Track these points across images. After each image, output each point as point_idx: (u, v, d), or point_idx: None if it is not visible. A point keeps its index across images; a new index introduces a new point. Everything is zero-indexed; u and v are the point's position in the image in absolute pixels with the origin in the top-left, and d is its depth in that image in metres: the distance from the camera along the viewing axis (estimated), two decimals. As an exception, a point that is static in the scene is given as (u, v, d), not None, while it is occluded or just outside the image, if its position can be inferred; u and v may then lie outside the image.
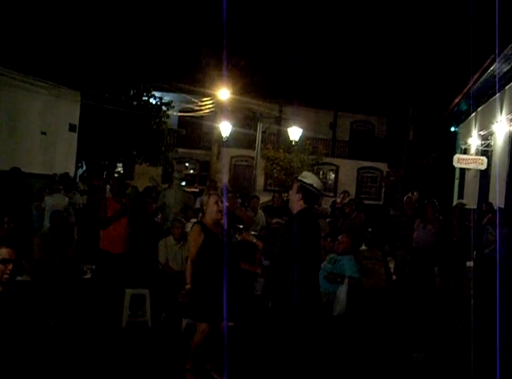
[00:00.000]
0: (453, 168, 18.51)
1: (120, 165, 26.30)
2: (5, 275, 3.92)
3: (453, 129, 21.43)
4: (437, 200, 10.04)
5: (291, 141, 22.09)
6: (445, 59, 24.39)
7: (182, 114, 26.90)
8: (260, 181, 26.72)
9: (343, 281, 6.49)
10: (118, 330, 6.92)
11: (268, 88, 27.37)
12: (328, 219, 11.57)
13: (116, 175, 23.43)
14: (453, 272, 9.53)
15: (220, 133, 23.90)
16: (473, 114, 17.04)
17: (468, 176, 17.42)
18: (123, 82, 21.43)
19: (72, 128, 18.67)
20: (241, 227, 5.84)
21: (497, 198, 12.28)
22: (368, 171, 31.71)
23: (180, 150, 27.14)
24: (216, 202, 5.52)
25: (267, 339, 5.09)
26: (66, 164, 17.84)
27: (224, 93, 24.11)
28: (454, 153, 17.02)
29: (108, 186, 11.52)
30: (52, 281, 6.75)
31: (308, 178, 4.89)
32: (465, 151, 17.96)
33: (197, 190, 19.64)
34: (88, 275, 7.48)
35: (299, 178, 4.95)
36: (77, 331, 6.49)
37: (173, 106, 24.72)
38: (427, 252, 9.33)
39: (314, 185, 4.81)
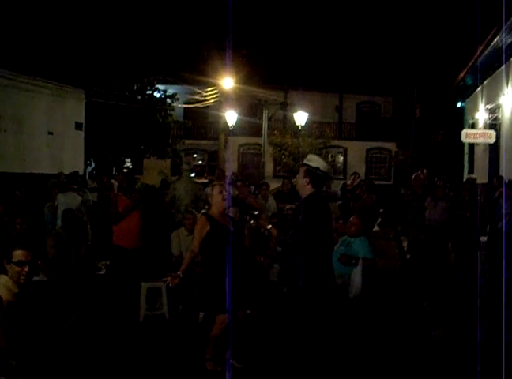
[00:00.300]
0: (462, 144, 18.38)
1: (129, 160, 26.41)
2: (22, 277, 3.93)
3: (459, 104, 21.22)
4: (447, 176, 9.99)
5: (298, 126, 22.01)
6: (448, 34, 24.12)
7: (187, 105, 26.87)
8: (269, 167, 26.66)
9: (357, 263, 6.49)
10: (136, 324, 6.97)
11: (272, 74, 27.27)
12: (339, 202, 11.53)
13: (125, 171, 23.54)
14: (468, 248, 9.50)
15: (226, 122, 23.89)
16: (479, 88, 16.87)
17: (478, 151, 17.29)
18: (126, 77, 21.44)
19: (78, 126, 18.75)
20: (256, 213, 5.77)
21: (505, 171, 12.17)
22: (377, 152, 31.59)
23: (187, 141, 27.19)
24: (221, 191, 5.50)
25: (283, 324, 5.11)
26: (75, 163, 17.94)
27: (227, 82, 24.07)
28: (462, 128, 16.86)
29: (113, 181, 11.50)
30: (68, 279, 6.80)
31: (314, 161, 4.76)
32: (473, 126, 17.82)
33: (206, 181, 19.61)
34: (103, 271, 7.52)
35: (305, 161, 4.81)
36: (95, 327, 6.54)
37: (177, 99, 24.75)
38: (439, 229, 9.30)
39: (321, 167, 4.69)
